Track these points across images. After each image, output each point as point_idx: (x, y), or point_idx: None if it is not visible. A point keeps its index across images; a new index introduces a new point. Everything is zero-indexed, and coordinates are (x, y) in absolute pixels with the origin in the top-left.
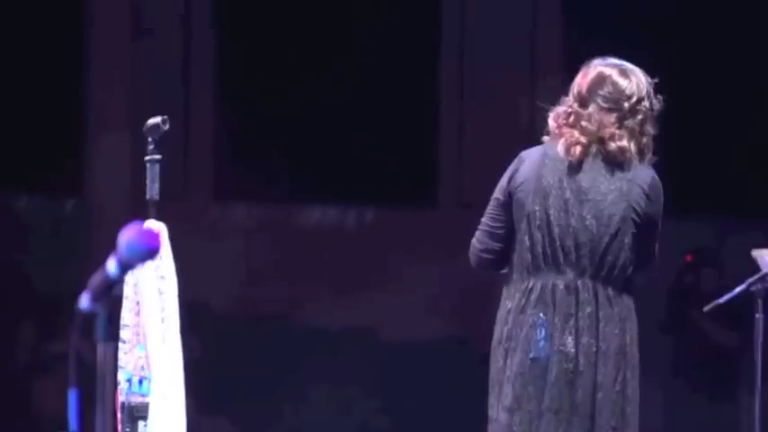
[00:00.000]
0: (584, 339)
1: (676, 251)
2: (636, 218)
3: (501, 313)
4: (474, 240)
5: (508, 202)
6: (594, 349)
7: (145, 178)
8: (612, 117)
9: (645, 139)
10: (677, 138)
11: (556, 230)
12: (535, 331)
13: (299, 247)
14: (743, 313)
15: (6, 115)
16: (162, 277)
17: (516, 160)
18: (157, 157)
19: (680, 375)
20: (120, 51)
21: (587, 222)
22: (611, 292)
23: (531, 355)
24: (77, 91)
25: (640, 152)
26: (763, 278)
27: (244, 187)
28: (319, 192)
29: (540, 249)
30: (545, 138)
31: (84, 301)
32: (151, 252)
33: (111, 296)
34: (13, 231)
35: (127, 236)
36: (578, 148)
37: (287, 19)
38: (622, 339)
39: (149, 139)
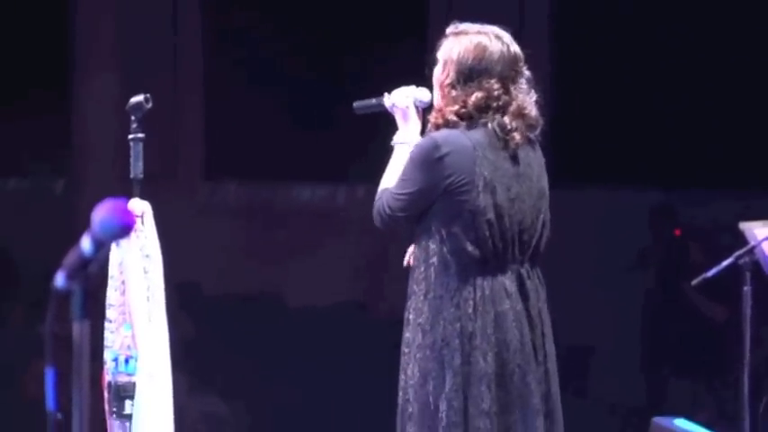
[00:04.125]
0: (539, 330)
1: (665, 225)
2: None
3: (448, 311)
4: (388, 201)
5: (432, 194)
6: (544, 337)
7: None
8: (521, 87)
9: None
10: (663, 111)
11: (506, 224)
12: (501, 328)
13: (289, 226)
14: (731, 286)
15: None
16: (147, 256)
17: (432, 148)
18: (141, 135)
19: (668, 349)
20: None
21: (530, 208)
22: (539, 273)
23: (496, 352)
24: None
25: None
26: (750, 251)
27: (234, 165)
28: (309, 170)
29: (489, 245)
30: (457, 122)
31: (60, 280)
32: (124, 229)
33: (86, 274)
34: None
35: (100, 213)
36: (516, 135)
37: None
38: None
39: (132, 118)
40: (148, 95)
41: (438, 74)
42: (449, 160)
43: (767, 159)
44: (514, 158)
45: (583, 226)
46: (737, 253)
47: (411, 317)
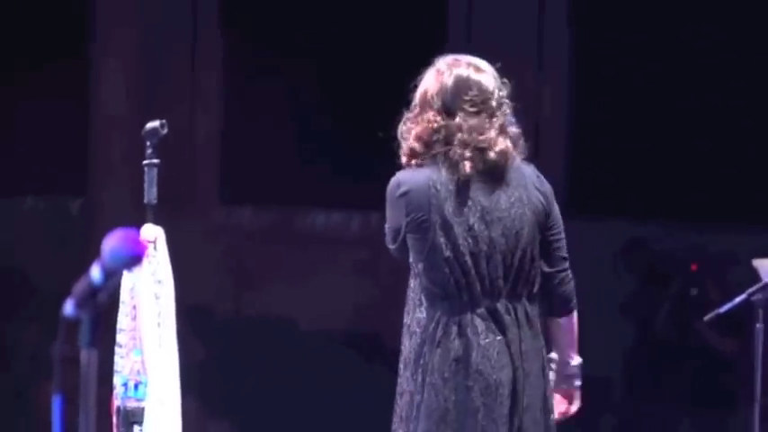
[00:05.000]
0: (519, 365)
1: (682, 260)
2: (542, 224)
3: (418, 345)
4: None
5: (400, 231)
6: (521, 372)
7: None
8: (483, 120)
9: (513, 130)
10: (688, 146)
11: (469, 261)
12: (465, 365)
13: (304, 251)
14: (743, 322)
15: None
16: (159, 281)
17: (394, 186)
18: (155, 161)
19: (680, 384)
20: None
21: (497, 243)
22: (527, 309)
23: (469, 383)
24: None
25: (515, 146)
26: (763, 288)
27: (250, 190)
28: (324, 196)
29: (452, 283)
30: (410, 161)
31: (69, 308)
32: (134, 259)
33: (95, 303)
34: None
35: (110, 242)
36: (467, 165)
37: (294, 16)
38: (542, 358)
39: (147, 143)
40: (164, 121)
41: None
42: (407, 199)
43: None
44: (480, 192)
45: (599, 257)
46: (750, 290)
47: (401, 348)
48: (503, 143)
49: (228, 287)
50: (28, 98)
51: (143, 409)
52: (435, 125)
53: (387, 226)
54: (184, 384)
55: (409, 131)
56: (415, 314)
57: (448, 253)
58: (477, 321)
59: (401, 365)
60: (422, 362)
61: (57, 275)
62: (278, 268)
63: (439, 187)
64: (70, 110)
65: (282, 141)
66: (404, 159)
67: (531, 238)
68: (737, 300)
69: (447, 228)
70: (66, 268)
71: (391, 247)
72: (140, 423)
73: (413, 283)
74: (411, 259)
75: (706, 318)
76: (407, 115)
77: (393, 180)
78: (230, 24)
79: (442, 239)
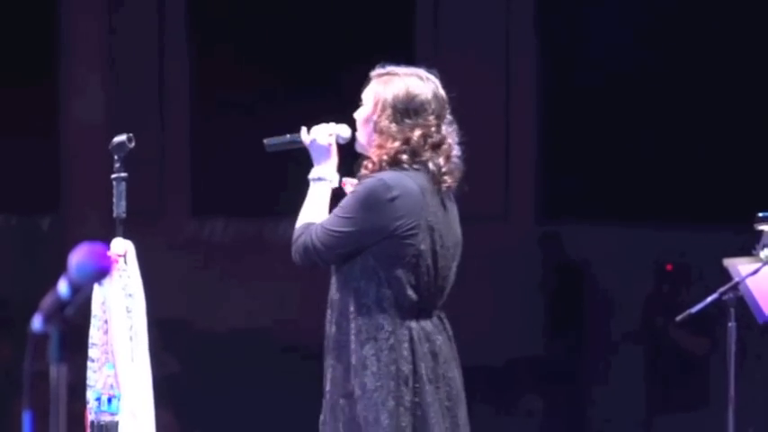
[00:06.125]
0: (458, 371)
1: (656, 260)
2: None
3: (382, 352)
4: (319, 236)
5: (377, 236)
6: (460, 376)
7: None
8: (448, 130)
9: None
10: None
11: (439, 270)
12: (440, 365)
13: (276, 261)
14: (714, 322)
15: None
16: (130, 295)
17: (383, 189)
18: (123, 174)
19: (653, 385)
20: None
21: (450, 255)
22: (444, 314)
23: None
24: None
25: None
26: (734, 287)
27: (220, 202)
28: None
29: (425, 290)
30: (401, 160)
31: (37, 323)
32: (101, 273)
33: (63, 317)
34: None
35: (76, 257)
36: (449, 179)
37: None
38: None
39: (115, 157)
40: (131, 135)
41: (367, 112)
42: (399, 203)
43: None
44: (443, 205)
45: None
46: (722, 289)
47: (338, 355)
48: (461, 164)
49: (201, 299)
50: None
51: (117, 423)
52: (433, 129)
53: (345, 229)
54: (158, 398)
55: (399, 134)
56: (374, 320)
57: (429, 261)
58: (434, 328)
59: (348, 374)
60: (394, 367)
61: (29, 292)
62: (249, 279)
63: (427, 197)
64: (40, 127)
65: (252, 152)
66: (376, 165)
67: (459, 253)
68: (709, 299)
69: (430, 236)
70: (38, 284)
71: (334, 251)
72: None
73: (360, 289)
74: (371, 266)
75: (678, 318)
76: (380, 118)
77: (378, 183)
78: (198, 36)
79: (425, 246)
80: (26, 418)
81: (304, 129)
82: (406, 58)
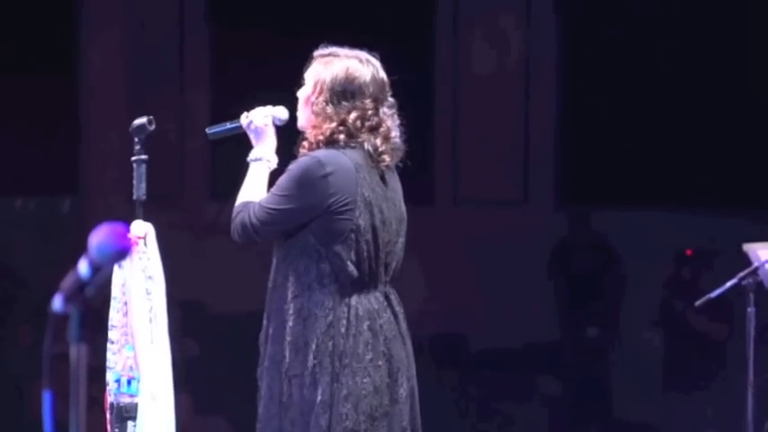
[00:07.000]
0: (408, 347)
1: (676, 245)
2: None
3: (321, 329)
4: (257, 214)
5: (312, 212)
6: (408, 356)
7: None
8: (387, 112)
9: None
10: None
11: (381, 246)
12: (380, 342)
13: None
14: (733, 306)
15: None
16: (150, 277)
17: (316, 166)
18: (144, 157)
19: (672, 369)
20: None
21: (393, 231)
22: (395, 291)
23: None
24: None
25: None
26: (754, 272)
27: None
28: None
29: (366, 266)
30: (337, 139)
31: (57, 303)
32: (121, 253)
33: (83, 297)
34: None
35: (97, 237)
36: (386, 158)
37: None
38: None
39: (135, 140)
40: (151, 117)
41: (307, 93)
42: (332, 179)
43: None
44: (383, 181)
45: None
46: (741, 274)
47: (277, 334)
48: (402, 144)
49: (220, 282)
50: (18, 99)
51: (136, 404)
52: (369, 112)
53: (281, 206)
54: (177, 380)
55: (336, 115)
56: (315, 297)
57: (368, 236)
58: (378, 304)
59: (288, 352)
60: (331, 344)
61: (49, 273)
62: (268, 262)
63: (363, 173)
64: (59, 110)
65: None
66: (313, 144)
67: (405, 229)
68: (728, 284)
69: (369, 211)
70: (58, 266)
71: (270, 228)
72: (134, 419)
73: (300, 266)
74: (311, 243)
75: (697, 303)
76: (318, 99)
77: (311, 160)
78: (218, 19)
79: (364, 222)
80: (46, 398)
81: (244, 113)
82: (426, 41)
